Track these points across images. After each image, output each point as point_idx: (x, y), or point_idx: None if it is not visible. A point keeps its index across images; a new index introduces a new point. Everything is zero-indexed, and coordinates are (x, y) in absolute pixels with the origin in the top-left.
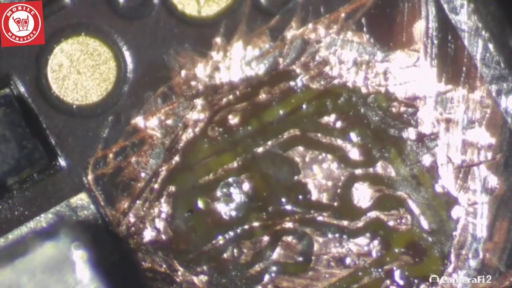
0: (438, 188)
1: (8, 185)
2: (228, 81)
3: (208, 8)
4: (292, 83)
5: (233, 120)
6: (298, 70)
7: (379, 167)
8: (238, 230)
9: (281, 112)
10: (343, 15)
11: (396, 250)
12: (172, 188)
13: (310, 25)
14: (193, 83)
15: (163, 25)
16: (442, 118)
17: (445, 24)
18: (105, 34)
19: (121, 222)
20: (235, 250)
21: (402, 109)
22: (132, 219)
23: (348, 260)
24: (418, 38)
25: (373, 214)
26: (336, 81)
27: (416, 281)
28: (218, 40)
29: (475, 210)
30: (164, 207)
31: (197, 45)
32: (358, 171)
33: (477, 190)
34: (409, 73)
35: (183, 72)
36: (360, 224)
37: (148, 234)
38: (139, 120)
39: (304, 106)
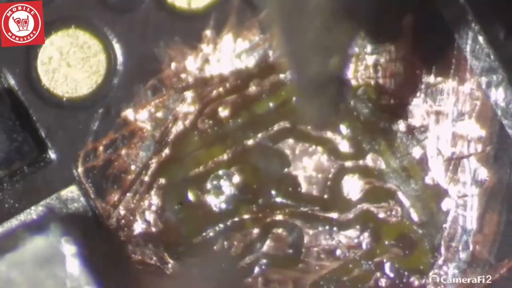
0: (428, 180)
1: None
2: (218, 74)
3: (198, 1)
4: (282, 76)
5: (223, 112)
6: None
7: (369, 160)
8: (228, 223)
9: (271, 104)
10: None
11: (386, 242)
12: (162, 181)
13: None
14: (183, 75)
15: (153, 18)
16: (432, 110)
17: (435, 16)
18: (95, 27)
19: (112, 215)
20: (225, 243)
21: (392, 101)
22: (122, 211)
23: (338, 252)
24: (408, 30)
25: (363, 206)
26: None
27: (406, 273)
28: (208, 32)
29: (465, 202)
30: (154, 200)
31: (187, 37)
32: (348, 164)
33: (467, 182)
34: (399, 65)
35: (173, 65)
36: (350, 216)
37: (139, 227)
38: (129, 113)
39: (294, 98)
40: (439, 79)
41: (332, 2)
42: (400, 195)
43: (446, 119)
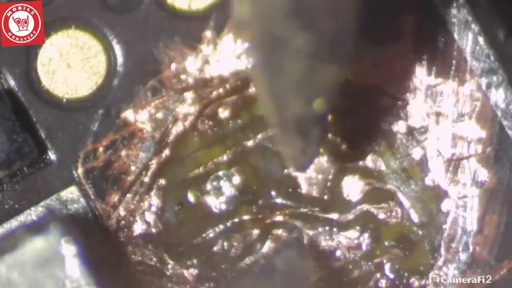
0: (428, 181)
1: None
2: (218, 75)
3: (198, 1)
4: None
5: (223, 113)
6: None
7: (369, 161)
8: (228, 224)
9: None
10: None
11: (386, 243)
12: (162, 182)
13: None
14: (183, 76)
15: (153, 19)
16: (432, 111)
17: (435, 17)
18: (95, 27)
19: (111, 216)
20: (225, 244)
21: (392, 102)
22: (122, 212)
23: (338, 253)
24: (408, 31)
25: (363, 207)
26: None
27: (406, 274)
28: (208, 33)
29: (465, 203)
30: (154, 201)
31: (187, 38)
32: (348, 165)
33: (467, 183)
34: (399, 66)
35: (173, 66)
36: (350, 217)
37: (138, 228)
38: (129, 114)
39: None
40: (439, 80)
41: (314, 45)
42: (400, 196)
43: (446, 120)
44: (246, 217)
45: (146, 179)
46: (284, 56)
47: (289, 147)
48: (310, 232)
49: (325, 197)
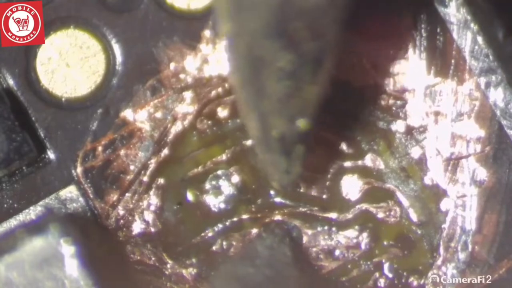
0: (427, 181)
1: None
2: (217, 74)
3: (197, 1)
4: None
5: (222, 112)
6: None
7: (368, 160)
8: (227, 223)
9: None
10: None
11: (385, 243)
12: (161, 181)
13: None
14: (182, 76)
15: (152, 18)
16: (431, 110)
17: (434, 17)
18: (94, 27)
19: (110, 215)
20: (224, 243)
21: (391, 101)
22: (121, 211)
23: (337, 253)
24: (407, 30)
25: (362, 206)
26: None
27: (405, 273)
28: (207, 32)
29: (464, 203)
30: (153, 200)
31: (186, 38)
32: (347, 164)
33: (466, 183)
34: (398, 65)
35: (172, 65)
36: (349, 216)
37: (137, 227)
38: (128, 113)
39: None
40: (438, 79)
41: (296, 65)
42: (399, 195)
43: (445, 120)
44: (245, 216)
45: (145, 178)
46: (266, 75)
47: (273, 168)
48: (309, 232)
49: (324, 196)
